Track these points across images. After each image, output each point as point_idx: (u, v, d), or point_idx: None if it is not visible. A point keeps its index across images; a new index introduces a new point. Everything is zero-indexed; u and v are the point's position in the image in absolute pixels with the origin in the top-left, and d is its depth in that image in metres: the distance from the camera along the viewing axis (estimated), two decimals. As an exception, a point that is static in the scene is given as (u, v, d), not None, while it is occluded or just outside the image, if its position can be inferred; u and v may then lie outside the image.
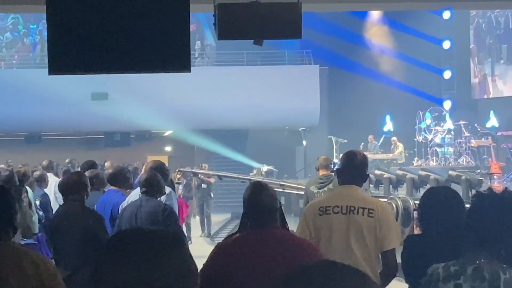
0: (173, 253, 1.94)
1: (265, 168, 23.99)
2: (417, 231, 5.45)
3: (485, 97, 30.27)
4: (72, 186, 7.33)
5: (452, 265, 3.84)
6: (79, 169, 11.26)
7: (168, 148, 35.21)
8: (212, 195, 22.85)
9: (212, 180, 23.08)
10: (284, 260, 4.37)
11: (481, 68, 30.62)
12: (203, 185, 22.42)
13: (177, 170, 20.70)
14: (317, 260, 1.79)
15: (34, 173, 11.88)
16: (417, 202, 6.50)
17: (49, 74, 6.86)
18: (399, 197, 13.41)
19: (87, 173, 8.97)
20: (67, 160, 17.75)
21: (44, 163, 13.37)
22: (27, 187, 10.46)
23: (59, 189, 7.76)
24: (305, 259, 4.37)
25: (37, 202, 10.70)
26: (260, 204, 4.66)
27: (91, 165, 10.23)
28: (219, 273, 4.57)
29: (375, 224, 5.66)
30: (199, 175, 23.04)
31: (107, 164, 15.80)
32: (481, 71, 30.57)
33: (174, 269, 1.92)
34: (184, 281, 1.94)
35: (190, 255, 2.02)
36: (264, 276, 4.29)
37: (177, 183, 19.07)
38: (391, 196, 14.32)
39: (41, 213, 10.57)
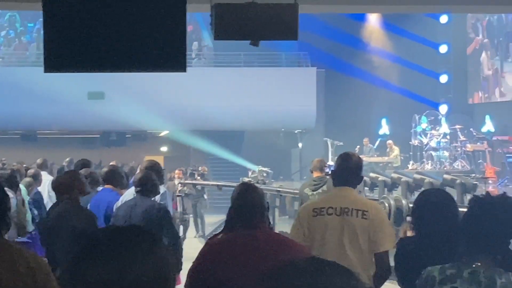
0: (147, 252, 1.93)
1: (260, 169, 23.96)
2: (410, 233, 5.43)
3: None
4: (65, 185, 7.30)
5: (448, 268, 3.82)
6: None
7: (164, 149, 35.16)
8: (206, 196, 22.74)
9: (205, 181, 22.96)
10: (272, 260, 4.38)
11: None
12: (197, 186, 22.33)
13: (178, 183, 20.54)
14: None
15: (28, 171, 11.87)
16: (411, 203, 6.50)
17: (45, 72, 6.84)
18: (392, 197, 13.42)
19: (81, 172, 8.95)
20: (67, 159, 17.66)
21: (39, 161, 13.35)
22: (21, 185, 10.46)
23: (52, 188, 7.73)
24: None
25: (30, 200, 10.69)
26: (248, 204, 4.68)
27: (84, 164, 10.21)
28: (208, 271, 4.57)
29: (369, 226, 5.65)
30: (196, 176, 22.93)
31: (112, 163, 15.73)
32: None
33: (147, 268, 1.91)
34: (157, 282, 1.92)
35: (169, 255, 2.00)
36: (253, 275, 4.29)
37: (178, 195, 19.03)
38: (384, 195, 14.34)
39: (35, 211, 10.55)
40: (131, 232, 1.99)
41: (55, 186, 7.48)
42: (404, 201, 12.50)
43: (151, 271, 1.92)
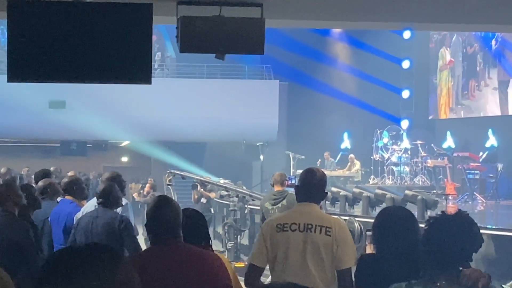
0: (109, 271, 1.92)
1: (221, 181, 23.77)
2: (370, 249, 5.44)
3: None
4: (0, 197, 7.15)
5: (415, 285, 3.85)
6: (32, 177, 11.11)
7: (124, 159, 35.01)
8: (212, 211, 21.79)
9: (212, 195, 22.01)
10: (186, 275, 4.33)
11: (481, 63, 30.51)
12: (203, 199, 21.53)
13: (168, 171, 19.94)
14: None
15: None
16: (368, 221, 6.51)
17: (8, 81, 6.78)
18: (346, 218, 13.41)
19: (40, 182, 8.86)
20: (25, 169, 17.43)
21: (3, 170, 13.15)
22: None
23: None
24: (209, 274, 4.39)
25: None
26: (161, 219, 4.54)
27: (45, 173, 10.06)
28: None
29: (332, 243, 5.65)
30: (198, 189, 22.16)
31: (70, 173, 15.55)
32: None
33: (111, 286, 1.90)
34: None
35: (133, 271, 1.99)
36: None
37: (168, 184, 18.61)
38: (336, 217, 14.32)
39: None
40: (91, 251, 1.97)
41: None
42: (356, 223, 12.48)
43: None
